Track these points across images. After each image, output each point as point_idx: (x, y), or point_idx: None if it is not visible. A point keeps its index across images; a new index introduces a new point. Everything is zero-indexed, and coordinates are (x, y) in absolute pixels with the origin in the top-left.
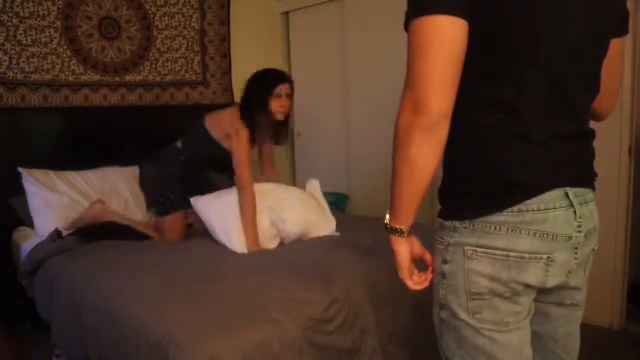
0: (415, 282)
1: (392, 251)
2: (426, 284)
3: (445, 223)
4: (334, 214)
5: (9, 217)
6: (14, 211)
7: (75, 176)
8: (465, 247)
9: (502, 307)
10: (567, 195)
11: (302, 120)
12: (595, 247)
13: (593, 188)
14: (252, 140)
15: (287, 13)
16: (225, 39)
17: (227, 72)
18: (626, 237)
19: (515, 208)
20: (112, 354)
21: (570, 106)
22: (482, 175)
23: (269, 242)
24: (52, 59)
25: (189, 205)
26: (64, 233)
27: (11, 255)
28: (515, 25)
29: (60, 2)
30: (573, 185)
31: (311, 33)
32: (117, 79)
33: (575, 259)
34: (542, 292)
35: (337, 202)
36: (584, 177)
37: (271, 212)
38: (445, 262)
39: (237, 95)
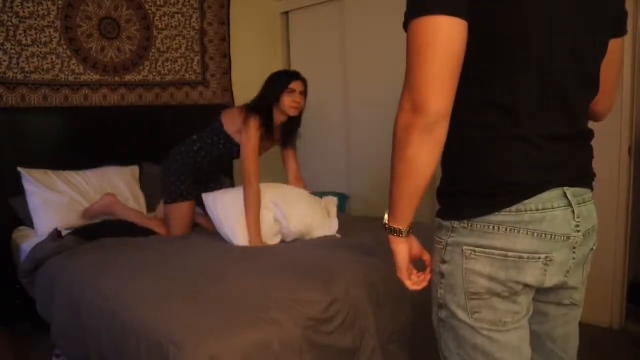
0: (414, 282)
1: (391, 251)
2: (425, 284)
3: (444, 223)
4: None
5: (9, 217)
6: (14, 211)
7: (75, 176)
8: (464, 247)
9: (501, 306)
10: (565, 195)
11: (302, 120)
12: (594, 247)
13: (592, 188)
14: (266, 132)
15: (287, 13)
16: (225, 39)
17: (227, 72)
18: (626, 237)
19: (513, 208)
20: (112, 354)
21: (569, 106)
22: (481, 176)
23: (271, 239)
24: (52, 59)
25: (198, 202)
26: (64, 233)
27: (11, 255)
28: (508, 26)
29: (60, 2)
30: (571, 185)
31: (311, 33)
32: (117, 79)
33: (574, 258)
34: (540, 292)
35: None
36: (583, 177)
37: (275, 208)
38: (444, 262)
39: (237, 95)
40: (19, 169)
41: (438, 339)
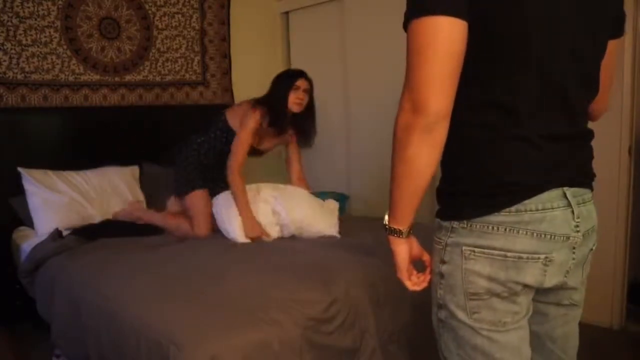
0: (414, 283)
1: (391, 252)
2: (425, 284)
3: (443, 223)
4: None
5: (9, 217)
6: (14, 211)
7: (75, 176)
8: (463, 248)
9: (500, 307)
10: (565, 195)
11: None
12: (594, 247)
13: (591, 188)
14: (270, 125)
15: (287, 13)
16: (225, 39)
17: (227, 72)
18: (626, 237)
19: (513, 208)
20: (112, 354)
21: (569, 106)
22: (480, 176)
23: (270, 228)
24: (52, 59)
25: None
26: (65, 233)
27: (11, 255)
28: (508, 26)
29: (60, 2)
30: (571, 185)
31: (311, 33)
32: (117, 79)
33: (573, 259)
34: (540, 292)
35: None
36: (582, 177)
37: (274, 201)
38: (443, 262)
39: (237, 95)
40: (19, 169)
41: (438, 339)
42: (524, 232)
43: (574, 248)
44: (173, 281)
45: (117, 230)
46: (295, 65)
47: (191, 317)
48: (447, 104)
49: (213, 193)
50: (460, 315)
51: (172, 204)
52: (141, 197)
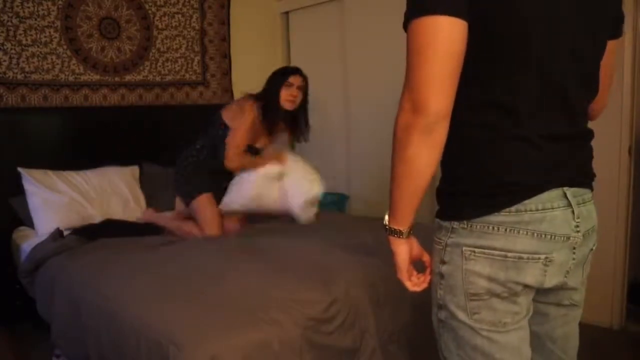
0: (414, 283)
1: (391, 252)
2: (425, 285)
3: (443, 224)
4: (334, 214)
5: (9, 217)
6: (14, 211)
7: (75, 176)
8: (463, 248)
9: (500, 307)
10: (565, 195)
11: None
12: (594, 247)
13: (591, 188)
14: (264, 119)
15: (287, 13)
16: (225, 39)
17: (227, 72)
18: (626, 237)
19: (513, 208)
20: (112, 354)
21: (569, 106)
22: (480, 176)
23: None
24: (52, 59)
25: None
26: (65, 232)
27: (11, 255)
28: (508, 26)
29: (60, 2)
30: (571, 185)
31: (311, 33)
32: (117, 79)
33: (574, 259)
34: (540, 293)
35: (337, 202)
36: (583, 177)
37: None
38: (443, 262)
39: (237, 95)
40: (19, 169)
41: (438, 340)
42: (524, 232)
43: (574, 248)
44: (173, 281)
45: (117, 230)
46: (295, 65)
47: (191, 317)
48: (447, 104)
49: (217, 197)
50: (461, 315)
51: (179, 203)
52: (141, 197)
